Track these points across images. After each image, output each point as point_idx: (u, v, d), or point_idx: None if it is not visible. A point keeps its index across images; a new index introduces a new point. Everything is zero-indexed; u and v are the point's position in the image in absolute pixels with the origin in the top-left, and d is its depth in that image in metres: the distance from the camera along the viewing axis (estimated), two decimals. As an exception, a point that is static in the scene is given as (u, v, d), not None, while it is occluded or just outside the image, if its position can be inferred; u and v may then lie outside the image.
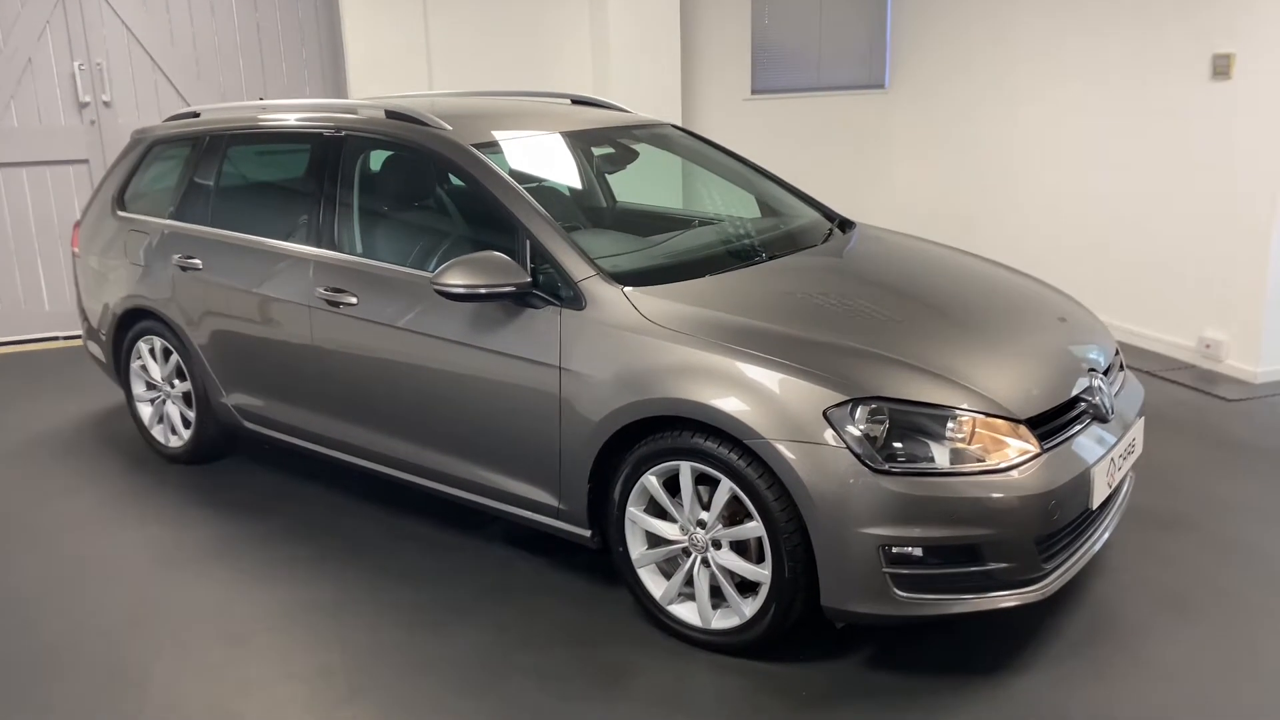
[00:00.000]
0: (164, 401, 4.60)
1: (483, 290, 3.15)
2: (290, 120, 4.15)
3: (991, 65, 7.16)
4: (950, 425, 2.74)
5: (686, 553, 3.05)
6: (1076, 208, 6.56)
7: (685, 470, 2.95)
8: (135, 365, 4.66)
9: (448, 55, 7.13)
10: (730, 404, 2.80)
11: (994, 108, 7.21)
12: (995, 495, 2.67)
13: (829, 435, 2.70)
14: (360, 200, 3.85)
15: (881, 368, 2.83)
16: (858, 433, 2.70)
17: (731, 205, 4.28)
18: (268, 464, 4.58)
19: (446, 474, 3.56)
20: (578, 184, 4.28)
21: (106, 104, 6.74)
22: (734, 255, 3.60)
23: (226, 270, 4.13)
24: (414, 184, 3.99)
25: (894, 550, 2.69)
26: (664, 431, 2.97)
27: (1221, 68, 5.34)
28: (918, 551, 2.71)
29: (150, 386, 4.66)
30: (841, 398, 2.73)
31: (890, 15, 8.20)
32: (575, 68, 7.47)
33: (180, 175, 4.50)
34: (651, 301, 3.10)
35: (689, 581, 3.06)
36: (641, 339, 3.01)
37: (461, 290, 3.16)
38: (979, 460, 2.72)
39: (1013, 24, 6.91)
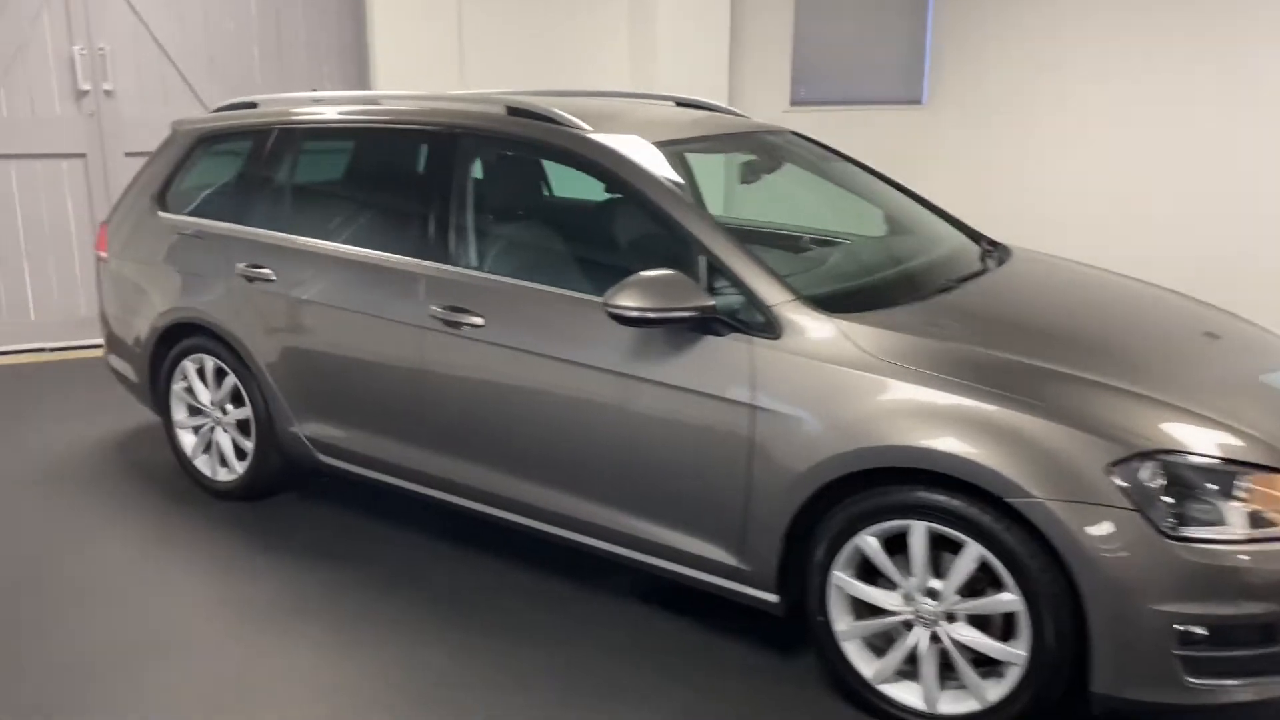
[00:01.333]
0: (212, 429, 4.03)
1: (663, 314, 2.71)
2: (384, 116, 3.65)
3: (1036, 82, 6.92)
4: (1242, 483, 2.36)
5: (908, 625, 2.62)
6: (1129, 228, 6.32)
7: (919, 531, 2.53)
8: (177, 387, 4.09)
9: (482, 50, 6.64)
10: (988, 456, 2.39)
11: (1039, 125, 6.97)
12: None
13: (1114, 495, 2.31)
14: (481, 208, 3.36)
15: (1158, 414, 2.45)
16: (1148, 492, 2.31)
17: (864, 222, 3.88)
18: (328, 501, 4.04)
19: (586, 522, 3.09)
20: (717, 194, 3.83)
21: (108, 93, 6.12)
22: (916, 280, 3.20)
23: (307, 283, 3.60)
24: (543, 191, 3.52)
25: (1186, 629, 2.30)
26: (889, 484, 2.55)
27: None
28: (1203, 630, 2.32)
29: (194, 411, 4.10)
30: (1126, 451, 2.34)
31: (930, 30, 7.93)
32: (614, 71, 7.04)
33: (241, 173, 3.96)
34: (867, 331, 2.67)
35: (910, 659, 2.63)
36: (865, 376, 2.58)
37: (638, 314, 2.71)
38: (1272, 524, 2.35)
39: (1061, 40, 6.67)
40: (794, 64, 7.56)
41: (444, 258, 3.31)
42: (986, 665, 2.55)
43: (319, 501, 4.05)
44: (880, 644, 2.71)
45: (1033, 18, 6.98)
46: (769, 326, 2.73)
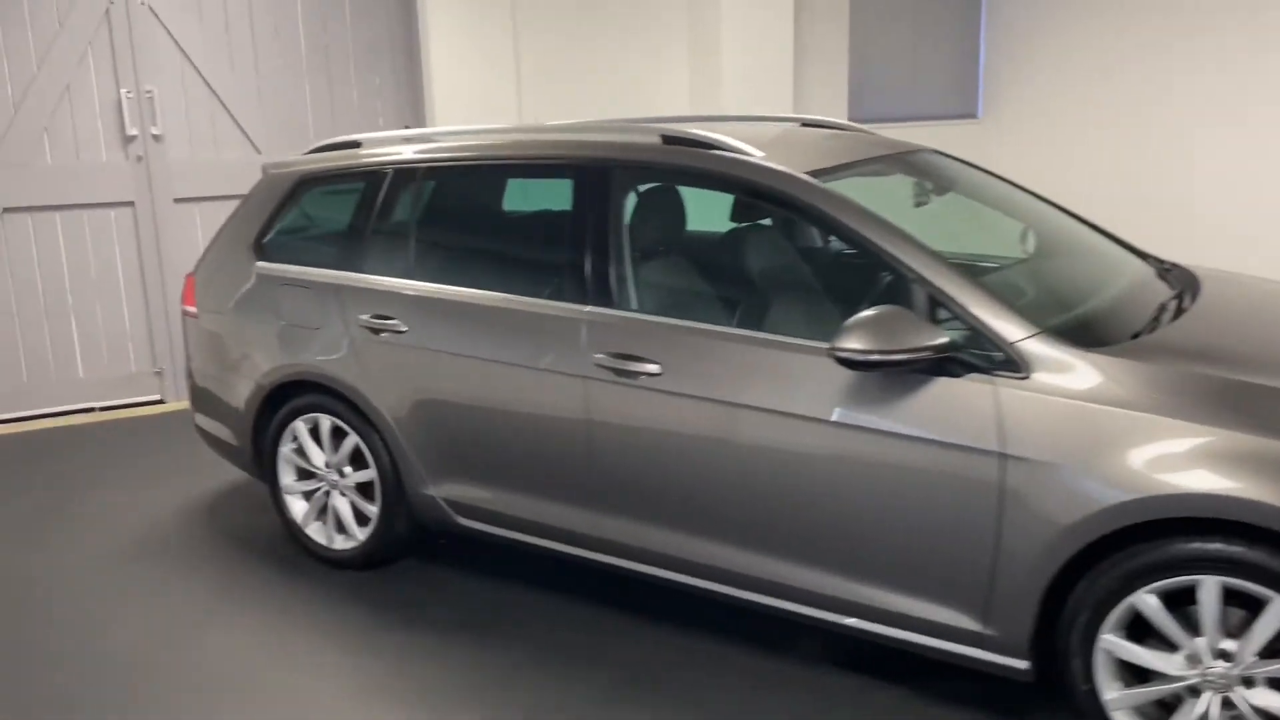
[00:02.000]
0: (327, 493, 3.73)
1: (899, 356, 2.45)
2: (521, 151, 3.38)
3: (1091, 90, 6.75)
4: None
5: (1194, 691, 2.36)
6: (1197, 233, 6.14)
7: (1210, 586, 2.27)
8: (286, 449, 3.79)
9: (540, 81, 6.40)
10: None
11: (1097, 138, 6.80)
12: None
13: None
14: (641, 246, 3.10)
15: None
16: None
17: (1017, 242, 3.63)
18: (454, 568, 3.74)
19: (787, 586, 2.81)
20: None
21: (156, 137, 5.82)
22: (1131, 307, 2.94)
23: (445, 334, 3.32)
24: (706, 225, 3.25)
25: None
26: (1173, 536, 2.29)
27: None
28: None
29: (305, 475, 3.80)
30: None
31: (983, 43, 7.77)
32: (673, 95, 6.82)
33: (354, 218, 3.67)
34: (1129, 366, 2.42)
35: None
36: (1141, 416, 2.32)
37: (876, 357, 2.45)
38: None
39: (1115, 48, 6.50)
40: (852, 81, 7.38)
41: (606, 301, 3.04)
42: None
43: (444, 568, 3.75)
44: (1154, 712, 2.44)
45: (1084, 26, 6.83)
46: (1011, 364, 2.47)
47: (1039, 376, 2.44)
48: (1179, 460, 2.26)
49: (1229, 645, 2.30)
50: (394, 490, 3.54)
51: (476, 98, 6.22)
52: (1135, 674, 2.43)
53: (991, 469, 2.45)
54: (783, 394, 2.72)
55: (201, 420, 4.13)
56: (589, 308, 3.05)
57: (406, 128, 4.36)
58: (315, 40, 6.11)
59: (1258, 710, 2.29)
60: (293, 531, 3.86)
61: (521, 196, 3.50)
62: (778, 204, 2.89)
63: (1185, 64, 6.11)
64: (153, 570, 3.83)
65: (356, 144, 3.86)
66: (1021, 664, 2.54)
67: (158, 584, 3.72)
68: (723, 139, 3.02)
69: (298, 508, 3.83)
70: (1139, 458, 2.29)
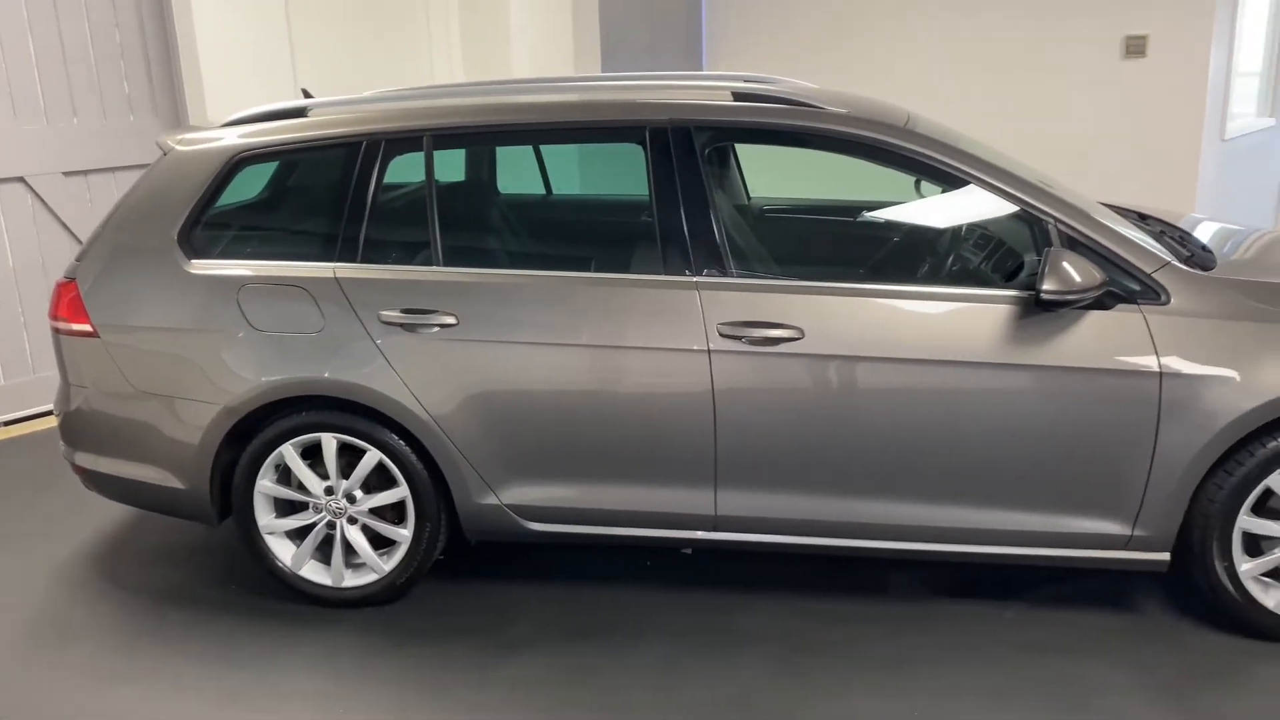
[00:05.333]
0: (331, 525, 3.17)
1: (1090, 294, 2.66)
2: (570, 113, 3.08)
3: (828, 58, 7.32)
4: None
5: (1303, 547, 2.83)
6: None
7: (1323, 459, 2.73)
8: (265, 483, 3.15)
9: (315, 53, 5.72)
10: None
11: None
12: None
13: None
14: (730, 207, 2.98)
15: None
16: None
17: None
18: (483, 579, 3.37)
19: (945, 528, 2.92)
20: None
21: None
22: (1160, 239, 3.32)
23: (516, 322, 2.96)
24: (796, 181, 3.18)
25: None
26: (1303, 423, 2.72)
27: (1136, 47, 6.09)
28: None
29: (293, 509, 3.20)
30: None
31: (705, 7, 8.13)
32: (446, 60, 6.42)
33: (339, 199, 3.10)
34: (1245, 284, 2.81)
35: (1275, 574, 2.85)
36: (1269, 326, 2.72)
37: (1075, 296, 2.65)
38: None
39: (850, 11, 7.09)
40: (601, 44, 7.39)
41: (718, 267, 2.90)
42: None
43: (469, 581, 3.36)
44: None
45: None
46: (1151, 293, 2.76)
47: (1178, 300, 2.75)
48: (1308, 359, 2.68)
49: (1335, 505, 2.79)
50: (434, 506, 3.11)
51: (246, 72, 5.42)
52: (1250, 550, 2.85)
53: (1151, 388, 2.72)
54: (934, 345, 2.80)
55: (95, 462, 3.30)
56: (699, 277, 2.89)
57: (307, 94, 3.65)
58: (45, 27, 4.94)
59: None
60: (281, 579, 3.23)
61: (582, 162, 3.20)
62: (901, 164, 2.92)
63: (903, 26, 6.87)
64: (116, 632, 3.02)
65: (302, 112, 3.25)
66: (1164, 556, 2.87)
67: (126, 651, 2.95)
68: (804, 96, 2.99)
69: (283, 550, 3.21)
70: (1274, 361, 2.68)
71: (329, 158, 3.16)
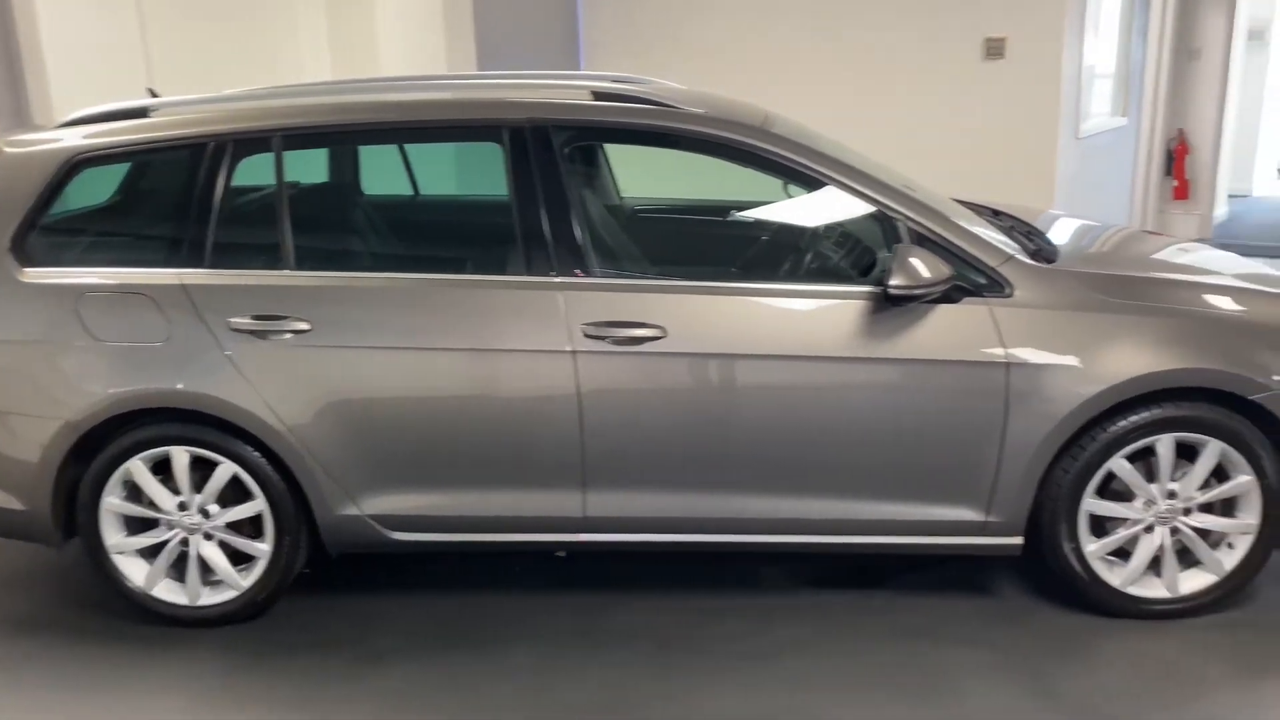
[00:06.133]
0: (185, 541, 3.05)
1: (938, 288, 2.74)
2: (428, 112, 3.03)
3: (700, 58, 7.38)
4: None
5: (1148, 530, 2.96)
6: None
7: (1167, 442, 2.86)
8: (112, 500, 3.02)
9: (172, 52, 5.51)
10: (1230, 362, 2.80)
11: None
12: None
13: None
14: (598, 207, 2.98)
15: None
16: None
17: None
18: (347, 590, 3.29)
19: (804, 520, 2.96)
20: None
21: None
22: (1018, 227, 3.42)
23: (371, 327, 2.89)
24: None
25: None
26: (1136, 407, 2.83)
27: (995, 49, 6.31)
28: None
29: (144, 526, 3.06)
30: None
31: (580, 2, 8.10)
32: (313, 60, 6.27)
33: (185, 202, 2.97)
34: (1085, 276, 2.92)
35: (1119, 553, 2.97)
36: (1108, 316, 2.83)
37: (922, 290, 2.72)
38: None
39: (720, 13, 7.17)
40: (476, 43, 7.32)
41: (580, 268, 2.88)
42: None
43: (337, 594, 3.27)
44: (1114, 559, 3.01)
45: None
46: (995, 286, 2.85)
47: (1021, 292, 2.85)
48: (1136, 347, 2.81)
49: (1174, 486, 2.92)
50: (294, 519, 3.02)
51: (94, 68, 5.19)
52: (1095, 531, 2.97)
53: (998, 377, 2.81)
54: (789, 340, 2.84)
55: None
56: (563, 278, 2.87)
57: (154, 94, 3.47)
58: None
59: (1197, 530, 2.94)
60: (133, 599, 3.09)
61: (439, 161, 3.14)
62: (759, 164, 2.94)
63: (773, 31, 6.98)
64: None
65: (143, 111, 3.12)
66: (1017, 541, 2.97)
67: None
68: (658, 95, 3.00)
69: (134, 570, 3.08)
70: (1124, 348, 2.80)
71: (174, 159, 3.05)
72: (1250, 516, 2.91)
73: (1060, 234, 3.46)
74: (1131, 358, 2.79)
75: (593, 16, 7.71)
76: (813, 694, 2.74)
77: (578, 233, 2.89)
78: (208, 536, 3.05)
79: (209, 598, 3.10)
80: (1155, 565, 2.97)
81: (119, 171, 3.22)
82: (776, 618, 3.08)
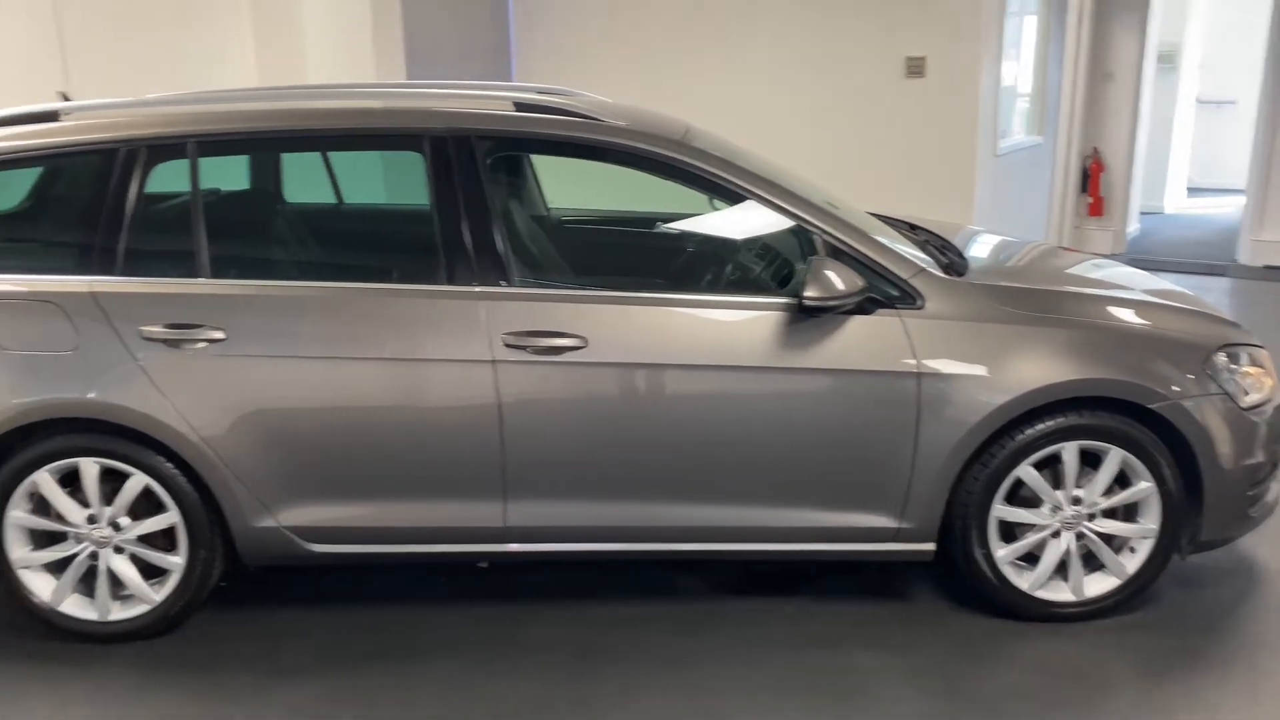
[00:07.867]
0: (94, 555, 2.98)
1: (852, 300, 2.80)
2: (347, 121, 3.02)
3: (626, 69, 7.44)
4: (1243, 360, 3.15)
5: (1054, 535, 3.04)
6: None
7: (1072, 450, 2.95)
8: (17, 514, 2.94)
9: (90, 57, 5.40)
10: (1131, 373, 2.90)
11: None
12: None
13: (1212, 385, 2.96)
14: (522, 218, 2.99)
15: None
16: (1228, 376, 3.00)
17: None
18: (272, 604, 3.24)
19: (720, 528, 3.00)
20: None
21: None
22: (933, 243, 3.50)
23: (287, 336, 2.86)
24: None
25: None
26: (1050, 416, 2.91)
27: (916, 68, 6.46)
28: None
29: (50, 540, 2.98)
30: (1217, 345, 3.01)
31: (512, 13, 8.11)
32: (238, 66, 6.18)
33: (94, 208, 2.91)
34: (993, 289, 3.01)
35: (1028, 558, 3.05)
36: (1015, 328, 2.92)
37: (835, 302, 2.78)
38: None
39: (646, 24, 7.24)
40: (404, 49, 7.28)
41: (501, 278, 2.89)
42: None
43: (251, 608, 3.22)
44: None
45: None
46: (908, 298, 2.92)
47: (932, 304, 2.92)
48: (1042, 357, 2.90)
49: (1079, 493, 3.01)
50: (208, 532, 2.97)
51: (10, 68, 5.07)
52: (1004, 537, 3.05)
53: (910, 387, 2.88)
54: (705, 351, 2.88)
55: None
56: (484, 288, 2.87)
57: (65, 98, 3.41)
58: None
59: (1101, 535, 3.04)
60: (42, 617, 3.01)
61: (359, 171, 3.12)
62: (676, 176, 2.97)
63: (702, 47, 7.07)
64: None
65: (53, 115, 3.06)
66: (929, 546, 3.04)
67: None
68: (584, 108, 3.03)
69: (41, 585, 3.00)
70: (1031, 357, 2.88)
71: (84, 164, 2.98)
72: (1151, 521, 3.02)
73: (976, 249, 3.57)
74: (1037, 368, 2.88)
75: (525, 26, 7.73)
76: (729, 700, 2.77)
77: (499, 243, 2.90)
78: (118, 550, 2.98)
79: (120, 613, 3.03)
80: (1062, 570, 3.06)
81: (28, 176, 3.13)
82: (696, 624, 3.10)
